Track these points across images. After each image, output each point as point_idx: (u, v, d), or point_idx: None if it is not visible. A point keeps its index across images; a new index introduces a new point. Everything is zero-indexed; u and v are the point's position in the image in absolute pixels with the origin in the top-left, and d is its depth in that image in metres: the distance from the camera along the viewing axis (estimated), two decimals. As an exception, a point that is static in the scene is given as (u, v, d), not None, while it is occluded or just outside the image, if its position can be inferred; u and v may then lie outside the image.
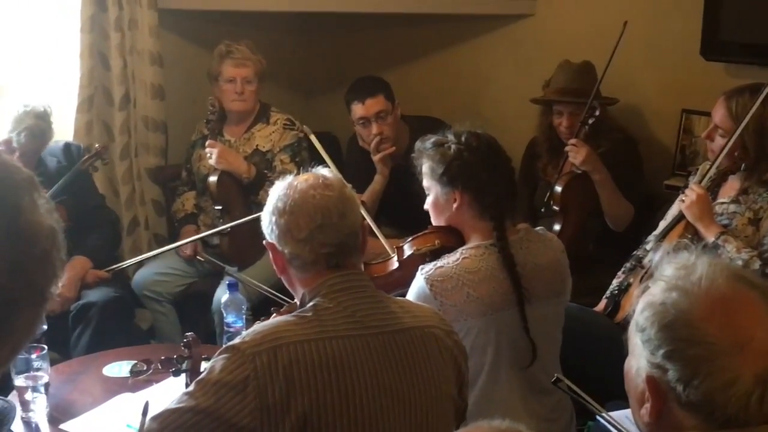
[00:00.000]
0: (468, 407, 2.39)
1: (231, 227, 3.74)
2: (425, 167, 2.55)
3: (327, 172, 2.03)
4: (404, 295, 2.50)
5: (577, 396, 2.02)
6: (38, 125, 3.46)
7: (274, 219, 1.95)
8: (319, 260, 1.91)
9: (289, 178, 2.01)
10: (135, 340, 3.60)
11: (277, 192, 1.98)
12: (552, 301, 2.52)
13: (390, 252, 2.85)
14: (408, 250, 2.69)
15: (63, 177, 3.54)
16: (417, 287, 2.43)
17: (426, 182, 2.57)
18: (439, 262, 2.44)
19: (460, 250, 2.46)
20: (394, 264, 2.73)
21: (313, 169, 2.05)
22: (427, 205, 2.61)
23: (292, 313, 1.92)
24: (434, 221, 2.62)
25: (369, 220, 3.25)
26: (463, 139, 2.49)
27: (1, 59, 3.91)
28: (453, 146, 2.49)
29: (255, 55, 4.00)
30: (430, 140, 2.56)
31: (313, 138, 3.62)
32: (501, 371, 2.44)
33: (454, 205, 2.50)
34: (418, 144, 2.60)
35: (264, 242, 2.01)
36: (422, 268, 2.44)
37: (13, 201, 1.05)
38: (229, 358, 1.78)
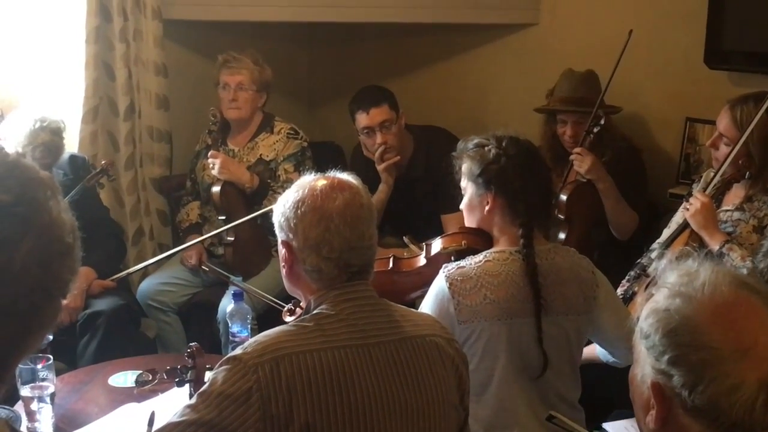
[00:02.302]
0: (484, 415, 2.39)
1: (235, 227, 3.74)
2: (464, 167, 2.56)
3: (353, 179, 1.99)
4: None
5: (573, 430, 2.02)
6: (53, 141, 3.46)
7: (301, 227, 1.88)
8: (340, 276, 1.89)
9: (320, 181, 1.95)
10: (141, 348, 3.61)
11: (307, 195, 1.91)
12: (571, 318, 2.47)
13: (418, 250, 2.87)
14: (435, 248, 2.72)
15: (69, 190, 3.53)
16: (437, 285, 2.44)
17: (463, 182, 2.58)
18: (462, 263, 2.45)
19: (484, 252, 2.47)
20: (422, 261, 2.77)
21: (337, 174, 2.00)
22: (462, 204, 2.62)
23: (293, 323, 1.91)
24: (466, 222, 2.63)
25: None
26: (503, 144, 2.50)
27: (10, 72, 3.92)
28: (493, 150, 2.49)
29: (256, 64, 4.00)
30: (473, 141, 2.57)
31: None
32: (512, 379, 2.43)
33: (486, 208, 2.50)
34: (460, 144, 2.62)
35: (280, 240, 1.96)
36: (445, 267, 2.45)
37: (41, 199, 1.12)
38: (231, 370, 1.76)
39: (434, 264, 2.64)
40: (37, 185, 1.13)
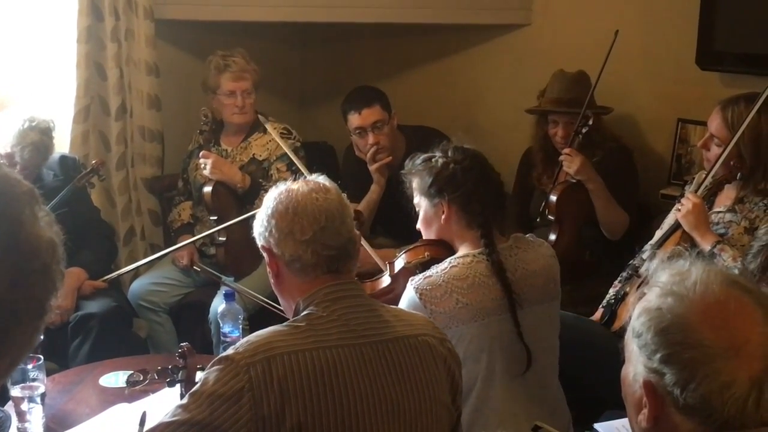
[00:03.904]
0: (465, 415, 2.39)
1: (226, 227, 3.73)
2: (415, 183, 2.62)
3: (323, 179, 2.05)
4: None
5: None
6: (42, 141, 3.46)
7: (273, 222, 1.94)
8: (320, 263, 1.92)
9: (285, 184, 2.01)
10: (133, 348, 3.60)
11: (275, 196, 1.98)
12: (545, 305, 2.55)
13: (382, 267, 2.88)
14: (399, 265, 2.74)
15: (59, 191, 3.53)
16: (407, 297, 2.45)
17: (416, 198, 2.63)
18: (428, 272, 2.47)
19: (448, 259, 2.50)
20: (387, 280, 2.79)
21: (308, 177, 2.07)
22: (419, 222, 2.65)
23: (286, 323, 1.92)
24: (425, 235, 2.66)
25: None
26: (449, 153, 2.57)
27: (0, 72, 3.92)
28: (440, 160, 2.56)
29: (250, 64, 4.00)
30: (419, 157, 2.63)
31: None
32: (496, 378, 2.45)
33: (443, 217, 2.54)
34: (407, 163, 2.67)
35: (260, 246, 2.00)
36: (412, 279, 2.47)
37: (13, 214, 1.05)
38: (223, 370, 1.77)
39: (400, 281, 2.67)
40: (9, 199, 1.06)
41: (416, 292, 2.42)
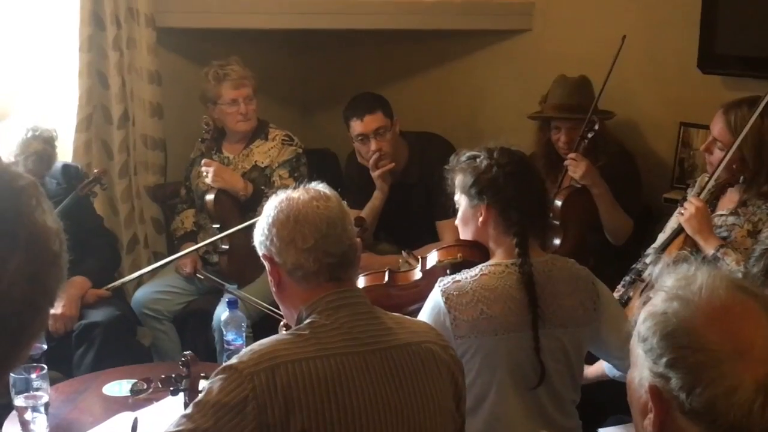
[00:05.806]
0: (477, 425, 2.38)
1: (229, 234, 3.73)
2: (457, 180, 2.55)
3: (322, 186, 2.04)
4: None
5: None
6: (45, 150, 3.47)
7: (274, 231, 1.94)
8: (321, 271, 1.91)
9: (285, 192, 2.01)
10: (137, 357, 3.60)
11: (275, 204, 1.98)
12: (569, 331, 2.45)
13: (414, 263, 2.87)
14: (431, 261, 2.70)
15: (62, 200, 3.53)
16: (433, 299, 2.42)
17: (456, 195, 2.57)
18: (458, 276, 2.43)
19: (480, 266, 2.45)
20: (418, 274, 2.76)
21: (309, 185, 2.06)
22: (457, 218, 2.61)
23: (289, 332, 1.92)
24: (461, 235, 2.61)
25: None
26: (494, 154, 2.49)
27: (3, 81, 3.92)
28: (484, 161, 2.48)
29: (247, 71, 4.02)
30: (465, 154, 2.56)
31: None
32: (510, 391, 2.41)
33: (480, 219, 2.48)
34: (452, 158, 2.61)
35: (261, 255, 2.00)
36: (441, 281, 2.44)
37: (25, 209, 1.06)
38: (227, 379, 1.77)
39: (430, 277, 2.62)
40: (20, 195, 1.07)
41: (442, 295, 2.38)
